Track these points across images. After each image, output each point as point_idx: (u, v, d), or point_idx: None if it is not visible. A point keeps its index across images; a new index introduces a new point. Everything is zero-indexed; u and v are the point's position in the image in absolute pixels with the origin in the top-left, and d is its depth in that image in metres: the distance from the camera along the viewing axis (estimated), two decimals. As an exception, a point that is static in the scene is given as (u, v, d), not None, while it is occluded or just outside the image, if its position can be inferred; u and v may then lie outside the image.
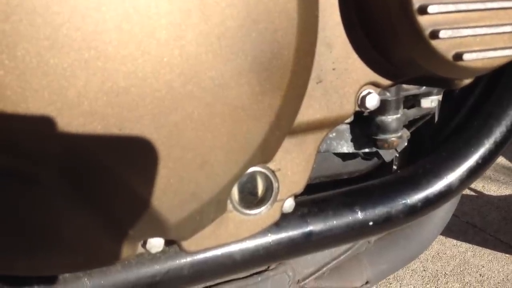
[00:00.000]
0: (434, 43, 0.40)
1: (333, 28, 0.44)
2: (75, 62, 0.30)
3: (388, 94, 0.57)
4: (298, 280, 0.76)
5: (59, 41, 0.30)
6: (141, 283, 0.49)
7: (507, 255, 2.10)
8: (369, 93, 0.46)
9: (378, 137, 0.59)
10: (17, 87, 0.30)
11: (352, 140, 0.62)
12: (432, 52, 0.40)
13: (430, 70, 0.43)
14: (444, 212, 0.88)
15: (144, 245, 0.41)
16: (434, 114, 0.77)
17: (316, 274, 0.77)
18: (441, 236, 2.17)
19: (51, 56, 0.30)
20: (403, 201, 0.59)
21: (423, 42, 0.40)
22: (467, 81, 0.50)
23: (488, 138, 0.63)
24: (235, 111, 0.36)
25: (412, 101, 0.62)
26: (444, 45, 0.40)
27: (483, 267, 2.04)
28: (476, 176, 0.64)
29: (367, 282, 0.84)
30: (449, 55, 0.40)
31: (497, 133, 0.63)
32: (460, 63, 0.41)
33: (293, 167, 0.45)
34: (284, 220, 0.55)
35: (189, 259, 0.51)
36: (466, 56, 0.40)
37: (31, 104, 0.30)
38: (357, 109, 0.47)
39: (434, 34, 0.39)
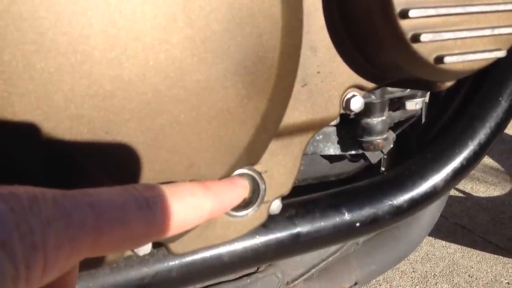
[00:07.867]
0: (416, 46, 0.40)
1: (318, 31, 0.45)
2: (62, 66, 0.31)
3: (373, 96, 0.58)
4: (288, 282, 0.76)
5: (46, 45, 0.30)
6: (130, 286, 0.49)
7: (495, 255, 2.12)
8: (353, 95, 0.47)
9: (364, 139, 0.60)
10: (3, 91, 0.30)
11: (338, 142, 0.63)
12: (413, 55, 0.41)
13: (412, 73, 0.44)
14: (431, 213, 0.89)
15: (131, 247, 0.41)
16: (420, 116, 0.79)
17: (305, 276, 0.78)
18: (430, 237, 2.19)
19: (38, 61, 0.30)
20: (389, 202, 0.60)
21: (404, 45, 0.40)
22: (449, 84, 0.51)
23: (472, 139, 0.64)
24: (221, 114, 0.36)
25: (397, 104, 0.63)
26: (425, 48, 0.41)
27: (472, 268, 2.06)
28: (461, 177, 0.65)
29: (356, 283, 0.85)
30: (430, 58, 0.41)
31: (481, 135, 0.64)
32: (441, 66, 0.41)
33: (279, 169, 0.45)
34: (272, 222, 0.56)
35: (177, 261, 0.51)
36: (447, 59, 0.41)
37: (17, 108, 0.30)
38: (342, 111, 0.48)
39: (416, 38, 0.40)
